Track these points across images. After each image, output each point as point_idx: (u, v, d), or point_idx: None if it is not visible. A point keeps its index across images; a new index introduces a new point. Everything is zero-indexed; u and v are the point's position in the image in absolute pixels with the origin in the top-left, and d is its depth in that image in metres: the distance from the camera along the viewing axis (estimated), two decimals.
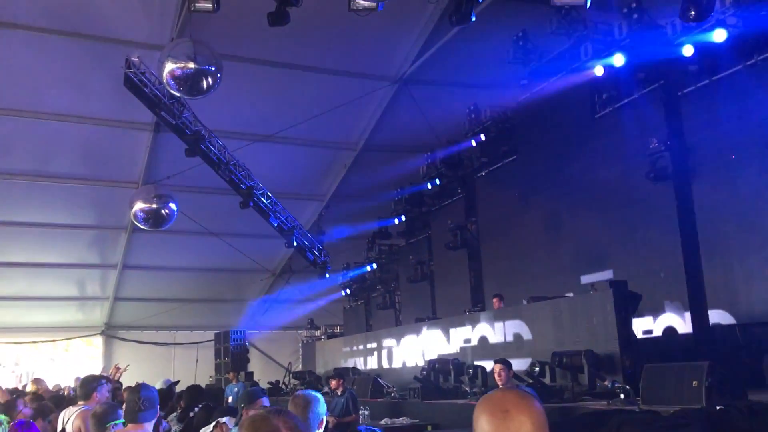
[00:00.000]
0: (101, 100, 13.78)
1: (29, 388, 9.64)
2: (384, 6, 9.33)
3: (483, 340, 11.09)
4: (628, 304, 8.37)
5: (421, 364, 12.18)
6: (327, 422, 3.63)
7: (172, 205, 13.98)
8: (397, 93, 14.57)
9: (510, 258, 13.93)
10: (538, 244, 13.08)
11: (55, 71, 12.98)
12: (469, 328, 11.56)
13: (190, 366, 20.61)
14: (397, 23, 12.48)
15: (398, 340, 14.08)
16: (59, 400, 7.36)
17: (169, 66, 9.85)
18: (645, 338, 9.78)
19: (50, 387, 11.84)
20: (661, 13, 9.82)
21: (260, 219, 15.78)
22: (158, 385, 7.48)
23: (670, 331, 9.99)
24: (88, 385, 5.62)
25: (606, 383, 7.87)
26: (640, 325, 9.65)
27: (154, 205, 13.85)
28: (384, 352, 14.66)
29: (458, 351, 11.59)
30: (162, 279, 20.45)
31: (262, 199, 15.26)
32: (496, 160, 14.40)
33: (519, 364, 9.15)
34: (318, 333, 21.67)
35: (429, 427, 9.27)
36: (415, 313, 16.12)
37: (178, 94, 11.06)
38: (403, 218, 17.80)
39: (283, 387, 16.55)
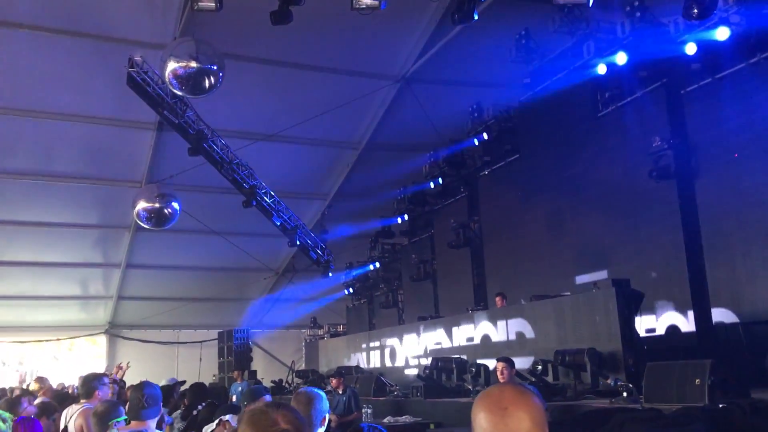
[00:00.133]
0: (104, 100, 13.80)
1: (32, 387, 9.64)
2: (386, 4, 9.34)
3: (486, 338, 11.10)
4: (631, 303, 8.37)
5: (424, 362, 12.19)
6: (329, 420, 3.63)
7: (175, 205, 14.00)
8: (400, 92, 14.56)
9: (513, 257, 13.93)
10: (540, 243, 13.08)
11: (58, 70, 13.00)
12: (471, 326, 11.57)
13: (194, 365, 20.63)
14: (399, 22, 12.48)
15: (401, 339, 14.09)
16: (63, 398, 7.37)
17: (172, 65, 9.87)
18: (648, 336, 9.77)
19: (54, 386, 11.85)
20: (664, 11, 9.82)
21: (263, 218, 15.79)
22: (162, 383, 7.49)
23: (672, 329, 9.98)
24: (90, 383, 5.63)
25: (609, 381, 7.87)
26: (643, 324, 9.64)
27: (157, 205, 13.87)
28: (387, 351, 14.68)
29: (461, 349, 11.59)
30: (165, 278, 20.48)
31: (265, 198, 15.28)
32: (498, 158, 14.39)
33: (522, 363, 9.16)
34: (321, 332, 21.67)
35: (432, 426, 9.27)
36: (418, 312, 16.13)
37: (180, 93, 11.07)
38: (406, 217, 17.81)
39: (287, 386, 16.57)
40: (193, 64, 9.85)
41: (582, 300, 9.19)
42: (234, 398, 13.58)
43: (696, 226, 9.93)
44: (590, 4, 9.27)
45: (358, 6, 9.30)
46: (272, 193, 15.44)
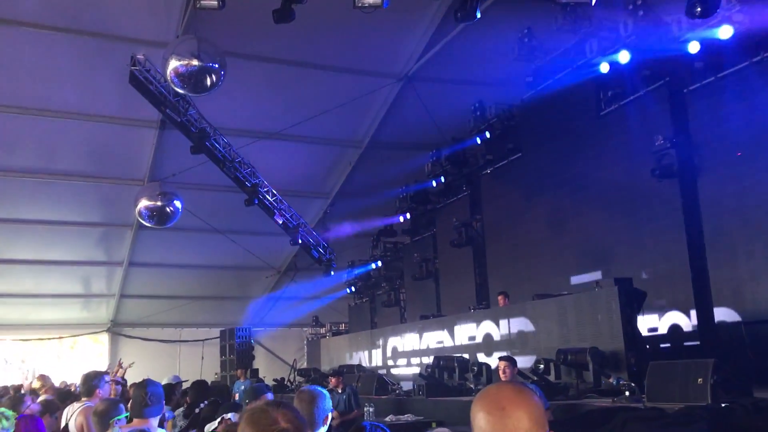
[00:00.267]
0: (107, 98, 13.82)
1: (35, 385, 9.66)
2: (389, 3, 9.33)
3: (488, 337, 11.10)
4: (633, 301, 8.36)
5: (426, 361, 12.18)
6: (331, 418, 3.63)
7: (177, 203, 14.03)
8: (402, 90, 14.56)
9: (515, 255, 13.91)
10: (543, 242, 13.06)
11: (61, 69, 13.02)
12: (473, 325, 11.57)
13: (196, 363, 20.64)
14: (402, 20, 12.47)
15: (403, 338, 14.10)
16: (66, 395, 7.38)
17: (173, 63, 9.89)
18: (650, 335, 9.76)
19: (57, 384, 11.87)
20: (667, 9, 9.79)
21: (265, 216, 15.81)
22: (165, 381, 7.51)
23: (675, 328, 9.97)
24: (90, 381, 5.63)
25: (611, 380, 7.85)
26: (645, 323, 9.63)
27: (159, 203, 13.91)
28: (389, 350, 14.68)
29: (463, 348, 11.59)
30: (168, 276, 20.51)
31: (267, 196, 15.29)
32: (501, 157, 14.37)
33: (524, 362, 9.15)
34: (323, 330, 21.68)
35: (434, 424, 9.25)
36: (420, 311, 16.12)
37: (182, 92, 11.09)
38: (408, 216, 17.81)
39: (289, 384, 16.58)
40: (195, 63, 9.87)
41: (584, 299, 9.18)
42: (237, 396, 13.59)
43: (698, 225, 9.91)
44: (593, 3, 9.26)
45: (360, 4, 9.30)
46: (274, 192, 15.46)
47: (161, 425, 4.84)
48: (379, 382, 11.87)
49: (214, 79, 10.16)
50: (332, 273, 18.17)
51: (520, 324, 10.29)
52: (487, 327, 11.14)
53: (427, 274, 17.28)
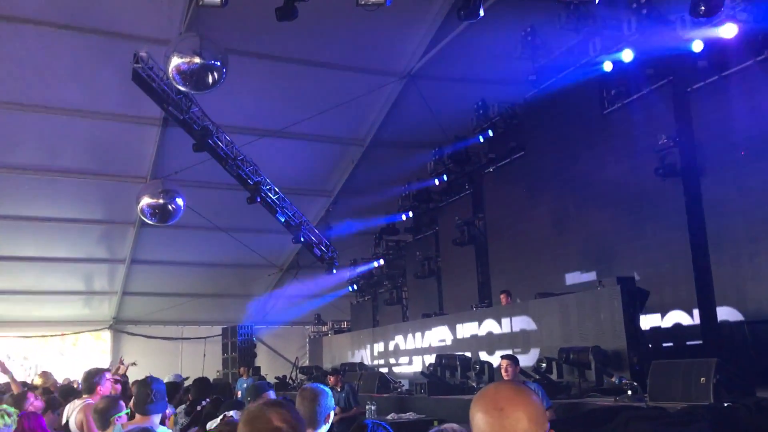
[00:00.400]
0: (109, 95, 13.81)
1: (37, 382, 9.67)
2: (392, 1, 9.32)
3: (490, 335, 11.09)
4: (636, 300, 8.34)
5: (428, 359, 12.19)
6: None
7: (179, 200, 14.02)
8: (405, 88, 14.53)
9: (517, 254, 13.90)
10: (545, 241, 13.05)
11: (63, 66, 13.01)
12: (476, 323, 11.57)
13: (198, 361, 20.65)
14: (405, 18, 12.45)
15: (405, 336, 14.09)
16: (68, 392, 7.39)
17: (175, 61, 9.87)
18: (653, 335, 9.74)
19: (59, 381, 11.89)
20: (671, 8, 9.75)
21: (268, 214, 15.81)
22: (167, 380, 7.51)
23: (678, 327, 9.96)
24: (91, 378, 5.66)
25: (613, 379, 7.84)
26: (648, 322, 9.61)
27: (161, 200, 13.90)
28: (391, 348, 14.68)
29: (465, 346, 11.59)
30: (170, 274, 20.53)
31: (270, 194, 15.29)
32: (503, 156, 14.36)
33: (526, 360, 9.16)
34: (325, 328, 21.67)
35: (435, 423, 9.23)
36: (422, 309, 16.13)
37: (184, 89, 11.07)
38: (411, 214, 17.81)
39: (290, 382, 16.59)
40: (197, 60, 9.85)
41: (587, 297, 9.17)
42: (239, 394, 13.61)
43: (702, 224, 9.90)
44: (596, 1, 9.23)
45: (363, 2, 9.29)
46: (277, 190, 15.46)
47: (162, 422, 4.84)
48: (381, 381, 11.88)
49: (216, 77, 10.14)
50: (334, 271, 18.17)
51: (522, 322, 10.28)
52: (490, 325, 11.13)
53: (430, 272, 17.28)
